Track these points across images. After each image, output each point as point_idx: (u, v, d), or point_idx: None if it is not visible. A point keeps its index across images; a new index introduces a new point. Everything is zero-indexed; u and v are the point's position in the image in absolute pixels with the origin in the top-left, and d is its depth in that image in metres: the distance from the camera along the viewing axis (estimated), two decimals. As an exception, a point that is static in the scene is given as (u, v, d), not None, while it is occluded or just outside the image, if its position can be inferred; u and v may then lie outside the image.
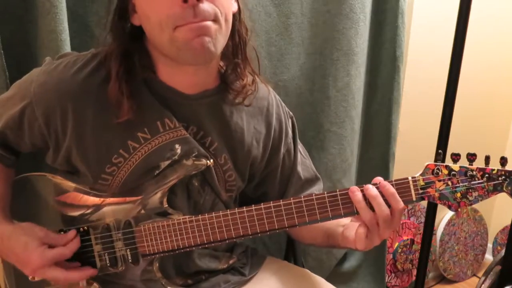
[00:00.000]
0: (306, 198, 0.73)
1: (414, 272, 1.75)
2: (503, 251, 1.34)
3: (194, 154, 0.78)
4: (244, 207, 0.74)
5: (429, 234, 1.26)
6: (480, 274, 1.97)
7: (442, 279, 1.95)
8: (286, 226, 0.73)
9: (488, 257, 2.08)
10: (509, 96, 1.90)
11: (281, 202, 0.73)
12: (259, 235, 0.75)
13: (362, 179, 1.50)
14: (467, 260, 1.97)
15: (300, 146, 0.95)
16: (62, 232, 0.79)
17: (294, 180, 0.93)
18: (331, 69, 1.26)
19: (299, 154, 0.94)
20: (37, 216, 0.81)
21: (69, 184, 0.80)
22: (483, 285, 1.39)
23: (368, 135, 1.46)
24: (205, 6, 0.66)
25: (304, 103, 1.28)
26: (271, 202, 0.74)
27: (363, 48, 1.32)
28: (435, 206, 1.22)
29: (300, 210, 0.73)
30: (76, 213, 0.79)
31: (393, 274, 1.72)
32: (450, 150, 1.16)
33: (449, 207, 0.70)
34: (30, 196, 0.82)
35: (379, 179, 0.72)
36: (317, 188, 0.95)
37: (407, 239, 1.71)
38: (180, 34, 0.67)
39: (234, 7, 0.75)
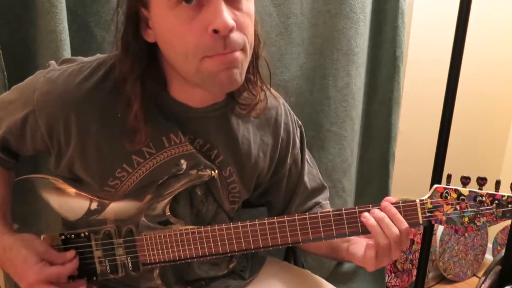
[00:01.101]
0: (311, 215, 0.72)
1: (414, 272, 1.74)
2: (503, 251, 1.34)
3: (200, 168, 0.76)
4: (248, 221, 0.74)
5: (429, 234, 1.26)
6: (480, 274, 1.97)
7: (442, 279, 1.95)
8: (289, 242, 0.73)
9: (488, 257, 2.08)
10: (509, 96, 1.90)
11: (285, 218, 0.72)
12: (262, 249, 0.74)
13: (362, 179, 1.50)
14: (467, 260, 1.97)
15: (307, 155, 0.93)
16: (63, 236, 0.78)
17: (300, 190, 0.91)
18: (331, 69, 1.26)
19: (306, 164, 0.92)
20: (38, 219, 0.81)
21: (71, 190, 0.79)
22: (483, 285, 1.39)
23: (368, 135, 1.46)
24: (235, 36, 0.62)
25: (304, 103, 1.28)
26: (275, 218, 0.73)
27: (363, 48, 1.31)
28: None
29: (304, 228, 0.72)
30: (77, 214, 0.79)
31: (393, 274, 1.71)
32: (450, 150, 1.17)
33: (456, 232, 0.70)
34: (31, 198, 0.82)
35: (387, 199, 0.71)
36: (323, 197, 0.94)
37: (407, 239, 1.71)
38: (208, 65, 0.63)
39: None
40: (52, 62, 0.78)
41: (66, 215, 0.79)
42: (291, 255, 1.11)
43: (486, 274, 1.40)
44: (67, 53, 0.91)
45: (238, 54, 0.64)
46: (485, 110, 1.86)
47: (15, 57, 0.92)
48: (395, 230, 0.68)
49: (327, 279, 0.94)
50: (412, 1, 1.49)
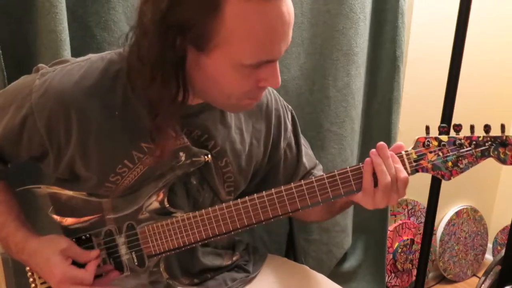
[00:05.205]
0: (306, 181, 0.73)
1: (414, 272, 1.75)
2: (503, 251, 1.34)
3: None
4: (247, 197, 0.75)
5: (429, 234, 1.26)
6: (480, 274, 1.97)
7: (442, 279, 1.95)
8: (290, 211, 0.74)
9: (488, 257, 2.08)
10: (509, 96, 1.90)
11: (282, 188, 0.73)
12: (263, 223, 0.75)
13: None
14: (467, 260, 1.97)
15: (301, 137, 0.96)
16: None
17: (300, 172, 0.93)
18: (331, 69, 1.26)
19: (302, 147, 0.95)
20: (36, 229, 0.79)
21: (66, 193, 0.78)
22: (483, 285, 1.39)
23: (368, 135, 1.46)
24: None
25: (304, 103, 1.28)
26: (272, 189, 0.74)
27: (363, 48, 1.31)
28: (435, 206, 1.22)
29: (301, 194, 0.73)
30: (75, 217, 0.79)
31: (393, 274, 1.71)
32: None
33: (443, 177, 0.73)
34: (27, 211, 0.80)
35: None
36: (317, 169, 0.97)
37: (407, 239, 1.71)
38: (243, 102, 0.72)
39: None
40: (41, 65, 0.77)
41: (64, 220, 0.79)
42: (291, 254, 1.12)
43: (486, 274, 1.40)
44: (67, 53, 0.91)
45: None
46: (485, 110, 1.86)
47: (15, 57, 0.92)
48: (393, 171, 0.71)
49: (327, 279, 0.94)
50: (412, 1, 1.49)
